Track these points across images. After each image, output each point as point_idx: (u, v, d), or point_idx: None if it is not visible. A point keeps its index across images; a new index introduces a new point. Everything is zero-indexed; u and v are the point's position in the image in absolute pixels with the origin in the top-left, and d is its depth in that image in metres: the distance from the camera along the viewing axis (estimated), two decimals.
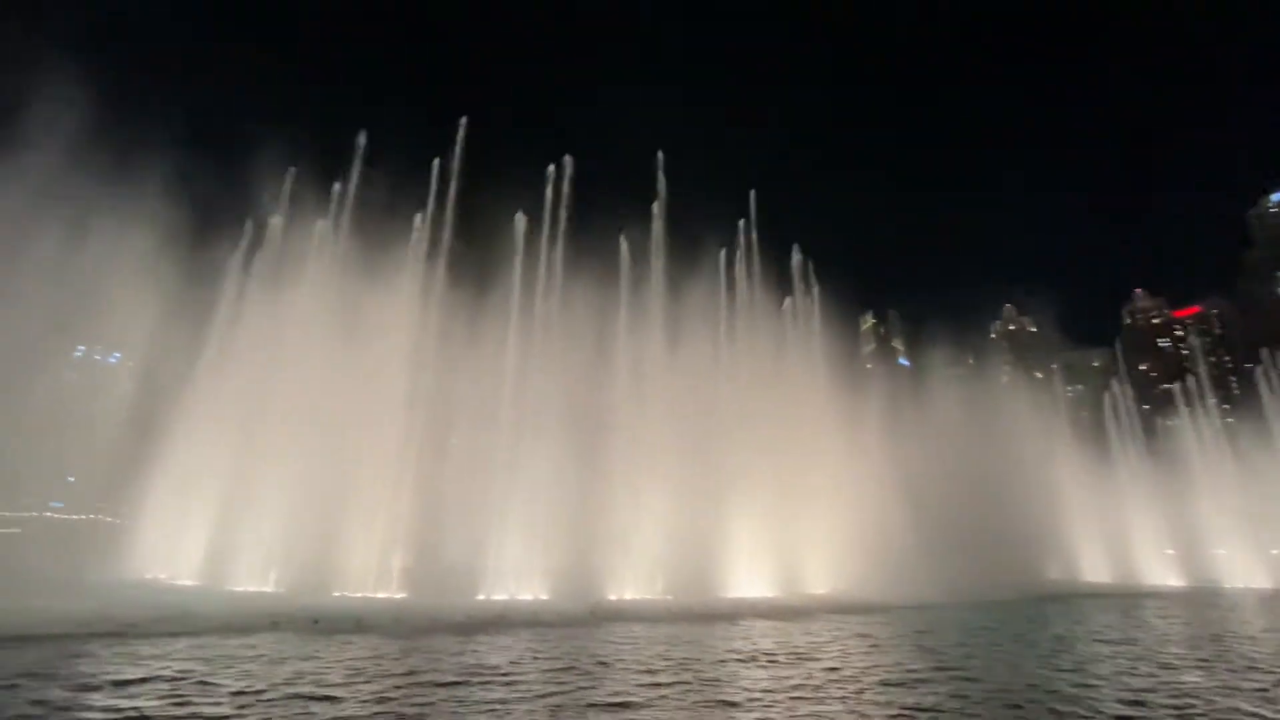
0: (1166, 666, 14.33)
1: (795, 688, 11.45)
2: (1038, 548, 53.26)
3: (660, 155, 38.65)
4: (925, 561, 36.88)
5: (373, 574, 26.23)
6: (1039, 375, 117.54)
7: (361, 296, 31.54)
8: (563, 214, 35.12)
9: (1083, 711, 10.04)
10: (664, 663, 13.66)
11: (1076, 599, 36.67)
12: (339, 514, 26.72)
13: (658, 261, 36.15)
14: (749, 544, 31.85)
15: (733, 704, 10.21)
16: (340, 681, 11.22)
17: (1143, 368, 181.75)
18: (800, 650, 15.69)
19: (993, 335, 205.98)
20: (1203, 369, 78.19)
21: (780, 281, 43.05)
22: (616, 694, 10.68)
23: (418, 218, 33.48)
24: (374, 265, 32.43)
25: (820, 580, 34.14)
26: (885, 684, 11.89)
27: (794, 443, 35.82)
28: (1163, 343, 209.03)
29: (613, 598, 27.15)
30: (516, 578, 27.15)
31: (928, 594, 31.33)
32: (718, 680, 12.04)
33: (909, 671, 13.18)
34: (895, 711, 9.84)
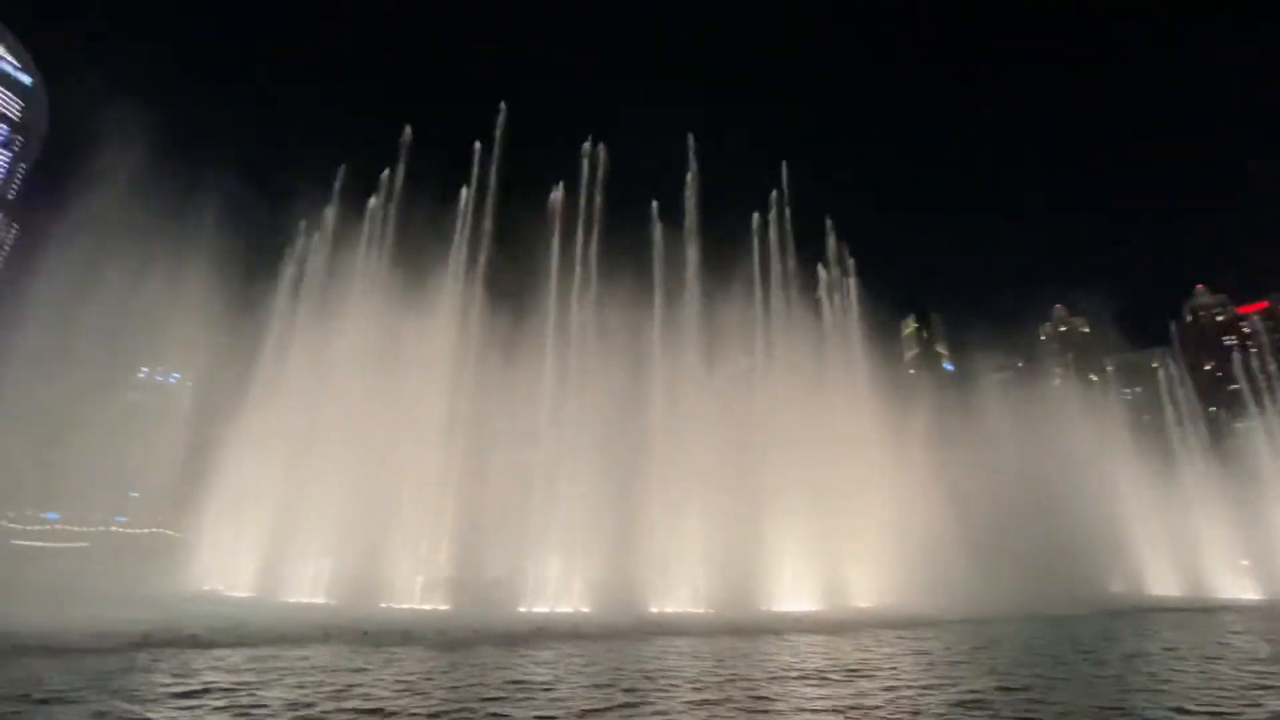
0: (1254, 687, 13.31)
1: (851, 708, 11.02)
2: (1098, 559, 50.69)
3: (690, 139, 38.87)
4: (975, 574, 35.50)
5: (418, 586, 26.63)
6: (1094, 378, 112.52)
7: (403, 323, 32.40)
8: (598, 195, 35.67)
9: None
10: (711, 678, 13.36)
11: (1144, 613, 34.64)
12: (386, 528, 27.29)
13: (691, 276, 35.87)
14: (790, 555, 31.18)
15: None
16: (390, 694, 11.31)
17: (1207, 368, 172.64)
18: (853, 667, 15.14)
19: (1042, 337, 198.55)
20: (1274, 367, 73.69)
21: (816, 285, 42.32)
22: (663, 713, 10.46)
23: (463, 191, 34.62)
24: (415, 290, 33.32)
25: (865, 593, 33.14)
26: (949, 705, 11.34)
27: (836, 452, 35.00)
28: (1228, 340, 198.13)
29: (653, 610, 26.88)
30: (556, 591, 27.17)
31: (980, 607, 30.07)
32: (768, 699, 11.68)
33: (971, 691, 12.56)
34: None
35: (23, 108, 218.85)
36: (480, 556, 28.44)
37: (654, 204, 36.78)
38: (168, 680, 12.10)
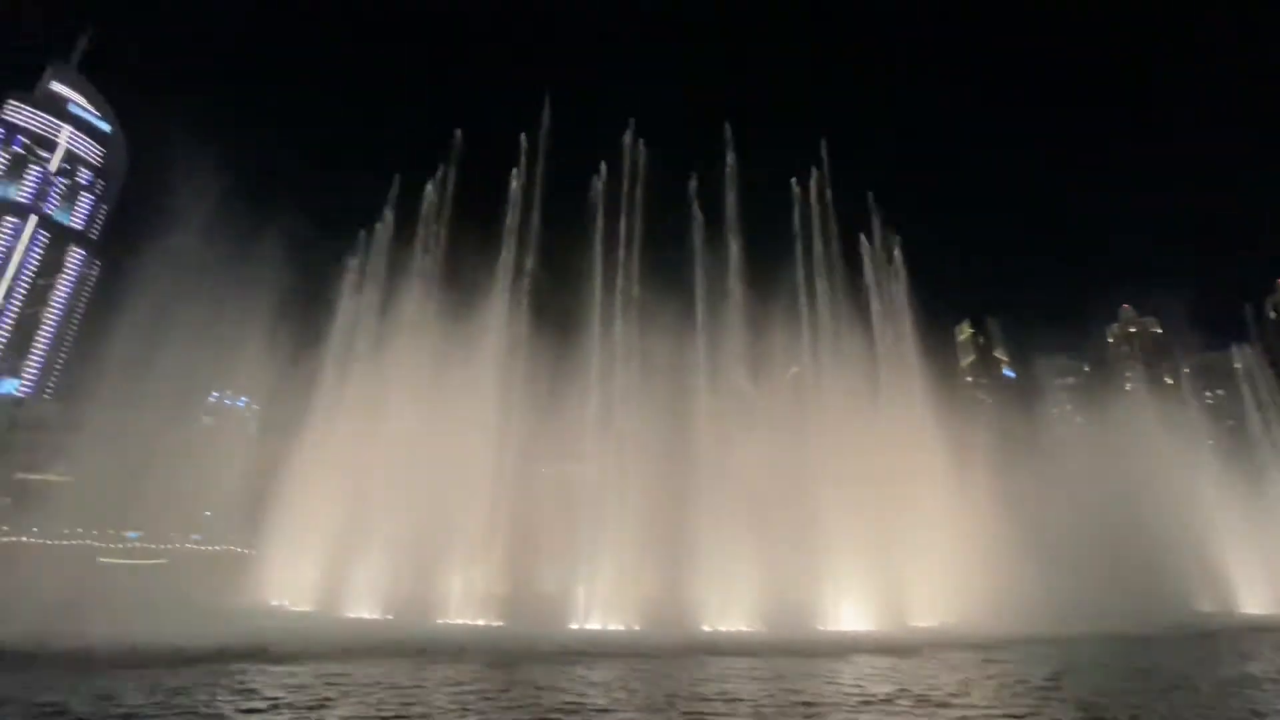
0: None
1: None
2: (1181, 575, 47.11)
3: (727, 127, 38.52)
4: (1044, 592, 33.54)
5: (473, 603, 27.01)
6: (1169, 381, 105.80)
7: (454, 345, 33.16)
8: (639, 192, 35.78)
9: None
10: (772, 705, 12.93)
11: (1238, 634, 31.91)
12: (441, 546, 27.86)
13: (734, 283, 35.24)
14: (847, 572, 30.12)
15: None
16: (447, 705, 11.46)
17: None
18: (921, 694, 14.36)
19: (1110, 339, 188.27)
20: None
21: (862, 286, 40.77)
22: None
23: (512, 181, 35.23)
24: (465, 308, 34.10)
25: (926, 612, 31.66)
26: None
27: (893, 464, 33.77)
28: None
29: (706, 629, 26.41)
30: (608, 607, 27.03)
31: (1050, 627, 28.34)
32: None
33: None
34: None
35: (103, 153, 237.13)
36: (533, 573, 28.68)
37: (695, 209, 36.20)
38: (241, 694, 12.56)
